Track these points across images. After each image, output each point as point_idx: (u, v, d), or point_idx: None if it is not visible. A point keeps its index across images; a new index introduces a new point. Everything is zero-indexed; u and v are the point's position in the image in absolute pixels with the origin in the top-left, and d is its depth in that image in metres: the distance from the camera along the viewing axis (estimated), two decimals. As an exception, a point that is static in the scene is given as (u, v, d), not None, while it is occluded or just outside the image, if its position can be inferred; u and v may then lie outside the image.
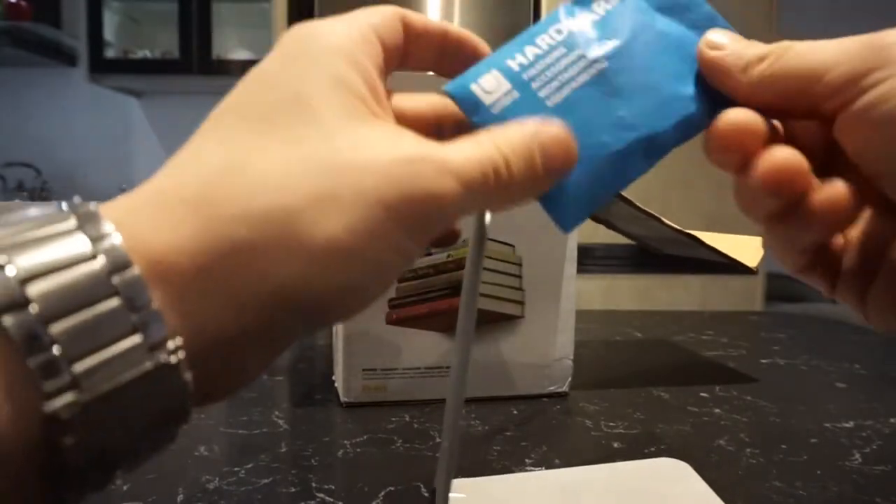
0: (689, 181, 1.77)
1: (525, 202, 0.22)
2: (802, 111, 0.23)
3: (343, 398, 0.47)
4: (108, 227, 0.16)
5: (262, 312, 0.17)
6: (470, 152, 0.19)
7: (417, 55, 0.25)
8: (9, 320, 0.14)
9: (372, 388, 0.47)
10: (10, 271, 0.14)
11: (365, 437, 0.41)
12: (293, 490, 0.34)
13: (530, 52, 0.24)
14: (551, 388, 0.50)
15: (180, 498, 0.33)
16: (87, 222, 0.16)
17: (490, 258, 0.47)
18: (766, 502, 0.33)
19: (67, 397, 0.14)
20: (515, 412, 0.46)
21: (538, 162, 0.21)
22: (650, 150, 0.24)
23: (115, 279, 0.15)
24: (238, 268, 0.17)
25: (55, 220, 0.16)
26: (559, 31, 0.24)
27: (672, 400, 0.50)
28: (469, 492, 0.33)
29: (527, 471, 0.37)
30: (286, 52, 0.20)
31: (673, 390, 0.52)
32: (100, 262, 0.15)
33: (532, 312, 0.49)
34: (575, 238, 0.49)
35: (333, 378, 0.51)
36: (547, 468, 0.37)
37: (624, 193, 0.52)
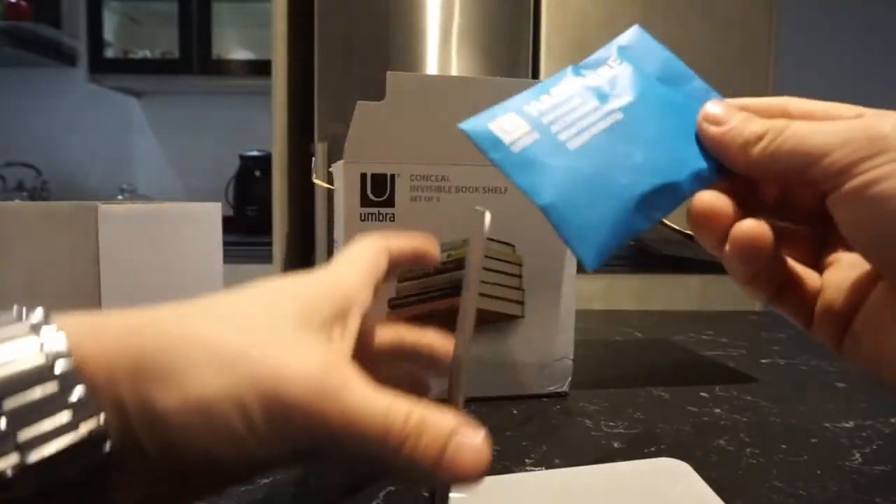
0: (689, 181, 1.77)
1: (419, 481, 0.22)
2: (798, 184, 0.25)
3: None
4: (55, 334, 0.19)
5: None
6: (378, 404, 0.20)
7: (392, 271, 0.29)
8: None
9: (372, 388, 0.47)
10: None
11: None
12: (293, 490, 0.34)
13: (546, 100, 0.26)
14: (551, 388, 0.50)
15: (180, 498, 0.33)
16: (37, 329, 0.19)
17: (490, 258, 0.47)
18: (766, 502, 0.33)
19: (12, 459, 0.17)
20: (515, 412, 0.46)
21: (445, 456, 0.20)
22: (669, 196, 0.25)
23: (56, 370, 0.18)
24: (134, 383, 0.19)
25: (9, 326, 0.19)
26: (571, 86, 0.26)
27: (672, 400, 0.50)
28: (469, 492, 0.30)
29: (527, 470, 0.37)
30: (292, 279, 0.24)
31: (673, 390, 0.52)
32: (43, 358, 0.18)
33: (532, 312, 0.49)
34: (575, 238, 0.49)
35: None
36: (547, 468, 0.37)
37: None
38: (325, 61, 1.74)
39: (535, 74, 1.76)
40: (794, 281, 0.26)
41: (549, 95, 0.26)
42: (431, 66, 1.75)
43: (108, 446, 0.18)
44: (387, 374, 0.26)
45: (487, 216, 0.27)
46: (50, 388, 0.18)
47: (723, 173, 0.25)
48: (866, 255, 0.23)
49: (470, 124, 0.25)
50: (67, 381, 0.18)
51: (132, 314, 0.21)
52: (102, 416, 0.18)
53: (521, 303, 0.48)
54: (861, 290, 0.25)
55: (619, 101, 0.26)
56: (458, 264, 0.47)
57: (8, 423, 0.17)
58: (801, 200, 0.26)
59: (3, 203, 0.55)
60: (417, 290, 0.47)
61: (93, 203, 0.51)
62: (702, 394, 0.51)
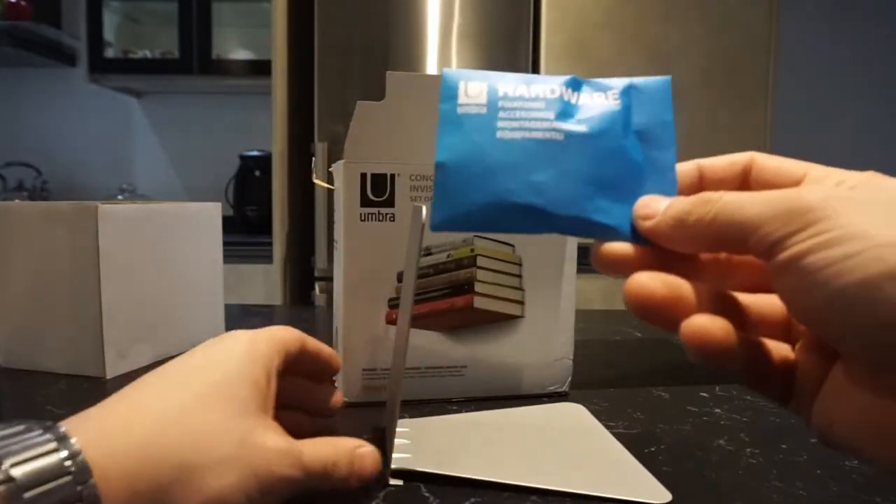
0: (689, 181, 1.77)
1: (341, 488, 0.32)
2: (737, 254, 0.25)
3: (343, 398, 0.47)
4: (75, 446, 0.24)
5: None
6: (316, 451, 0.30)
7: (302, 366, 0.37)
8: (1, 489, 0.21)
9: (372, 388, 0.47)
10: (18, 477, 0.22)
11: (365, 436, 0.41)
12: (293, 490, 0.34)
13: (521, 89, 0.27)
14: (551, 388, 0.50)
15: (180, 498, 0.33)
16: (62, 442, 0.24)
17: (490, 258, 0.47)
18: (767, 502, 0.33)
19: None
20: (515, 412, 0.46)
21: (355, 467, 0.32)
22: (540, 222, 0.25)
23: (79, 487, 0.23)
24: (158, 495, 0.26)
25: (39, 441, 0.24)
26: (553, 91, 0.27)
27: (672, 400, 0.50)
28: (410, 428, 0.41)
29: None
30: (225, 344, 0.32)
31: (673, 390, 0.52)
32: (70, 476, 0.23)
33: (532, 312, 0.49)
34: (575, 238, 0.49)
35: (334, 378, 0.51)
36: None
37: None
38: (325, 61, 1.74)
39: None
40: (766, 359, 0.25)
41: (527, 87, 0.27)
42: (431, 66, 1.75)
43: None
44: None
45: (424, 210, 0.33)
46: (72, 498, 0.23)
47: (638, 238, 0.25)
48: (807, 326, 0.23)
49: (452, 71, 0.27)
50: (88, 495, 0.23)
51: (141, 419, 0.27)
52: None
53: (521, 303, 0.48)
54: (823, 365, 0.24)
55: (572, 127, 0.26)
56: (458, 264, 0.47)
57: None
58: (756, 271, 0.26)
59: (3, 203, 0.54)
60: (417, 290, 0.47)
61: (93, 203, 0.51)
62: (702, 394, 0.51)
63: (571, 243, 0.49)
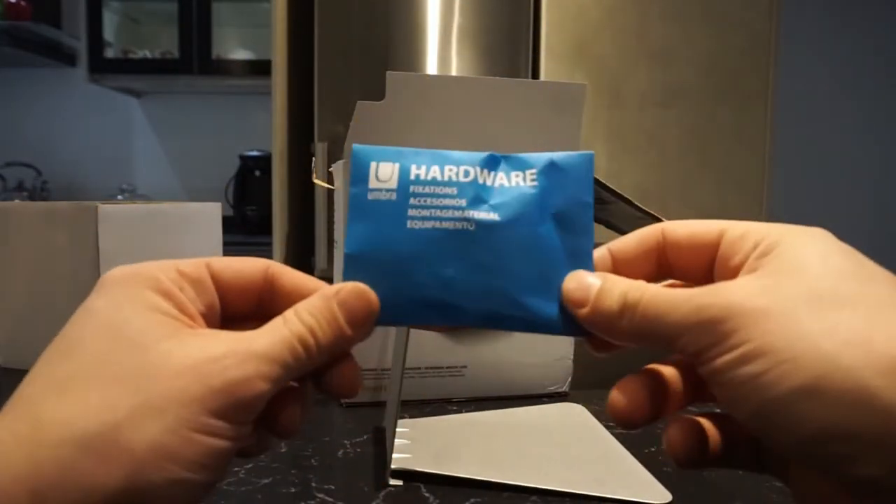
0: (689, 181, 1.77)
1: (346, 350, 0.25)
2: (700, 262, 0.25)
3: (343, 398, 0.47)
4: None
5: None
6: (276, 334, 0.23)
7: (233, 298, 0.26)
8: None
9: (372, 388, 0.47)
10: None
11: (365, 437, 0.41)
12: (293, 490, 0.34)
13: (434, 171, 0.26)
14: (551, 388, 0.50)
15: (180, 498, 0.33)
16: None
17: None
18: (767, 502, 0.33)
19: None
20: (515, 412, 0.46)
21: (342, 320, 0.24)
22: (453, 316, 0.25)
23: None
24: (67, 485, 0.19)
25: None
26: (467, 174, 0.26)
27: (672, 400, 0.50)
28: (410, 428, 0.41)
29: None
30: (106, 290, 0.24)
31: (673, 390, 0.52)
32: None
33: (532, 312, 0.49)
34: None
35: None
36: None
37: (623, 193, 0.52)
38: (325, 61, 1.74)
39: (535, 74, 1.76)
40: (737, 440, 0.26)
41: (440, 168, 0.27)
42: (431, 66, 1.75)
43: None
44: None
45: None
46: None
47: (566, 330, 0.25)
48: (747, 428, 0.23)
49: (361, 149, 0.26)
50: None
51: (16, 414, 0.21)
52: None
53: (521, 303, 0.48)
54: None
55: (483, 216, 0.25)
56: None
57: None
58: None
59: (3, 203, 0.54)
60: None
61: (93, 203, 0.51)
62: (702, 394, 0.51)
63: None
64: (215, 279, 0.25)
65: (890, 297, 0.21)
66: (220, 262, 0.26)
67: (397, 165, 0.26)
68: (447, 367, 0.48)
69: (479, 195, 0.26)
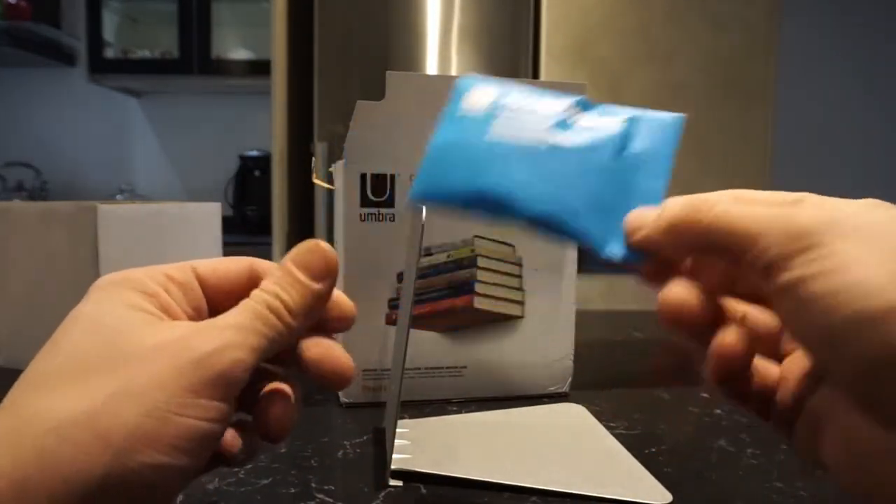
0: (689, 181, 1.77)
1: (319, 309, 0.25)
2: (730, 263, 0.24)
3: (343, 399, 0.47)
4: None
5: None
6: (244, 307, 0.23)
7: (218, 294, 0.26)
8: None
9: (372, 388, 0.47)
10: None
11: (365, 437, 0.41)
12: (293, 490, 0.34)
13: (526, 100, 0.28)
14: (551, 388, 0.50)
15: (180, 498, 0.33)
16: None
17: (490, 258, 0.47)
18: (767, 502, 0.33)
19: None
20: (515, 412, 0.46)
21: (301, 276, 0.24)
22: (515, 210, 0.26)
23: None
24: (47, 473, 0.19)
25: None
26: (559, 106, 0.28)
27: (673, 400, 0.50)
28: (410, 428, 0.41)
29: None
30: (92, 295, 0.25)
31: (673, 390, 0.52)
32: None
33: (532, 312, 0.49)
34: (575, 238, 0.49)
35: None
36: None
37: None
38: (325, 61, 1.74)
39: (536, 74, 1.76)
40: (754, 375, 0.25)
41: (534, 99, 0.28)
42: (431, 66, 1.75)
43: None
44: None
45: (423, 214, 0.33)
46: None
47: (610, 250, 0.25)
48: (804, 349, 0.23)
49: (464, 78, 0.29)
50: None
51: (2, 415, 0.21)
52: None
53: (521, 303, 0.48)
54: (809, 385, 0.24)
55: (561, 138, 0.27)
56: (458, 264, 0.47)
57: None
58: (748, 281, 0.26)
59: (3, 203, 0.54)
60: (417, 290, 0.47)
61: (93, 203, 0.51)
62: (702, 394, 0.51)
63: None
64: (202, 281, 0.26)
65: None
66: (206, 265, 0.26)
67: (493, 91, 0.28)
68: (447, 368, 0.48)
69: (563, 123, 0.27)
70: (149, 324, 0.23)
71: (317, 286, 0.24)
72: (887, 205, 0.23)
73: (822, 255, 0.20)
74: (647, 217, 0.25)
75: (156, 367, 0.21)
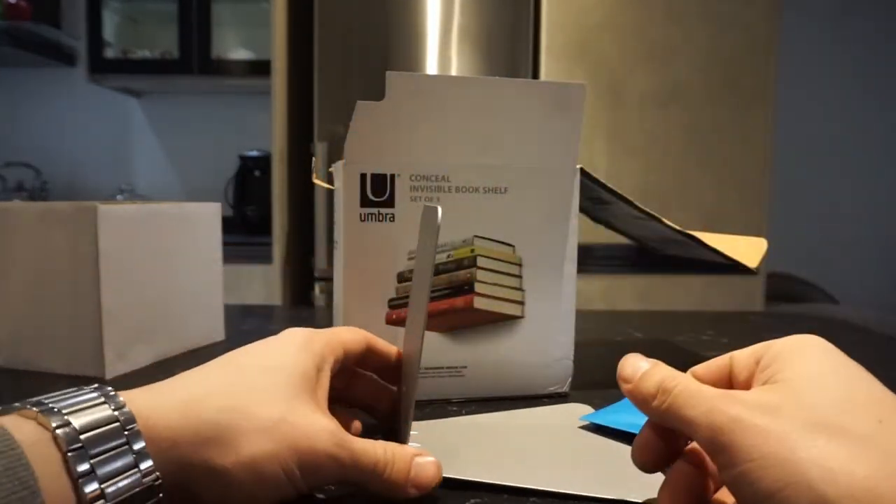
0: (689, 181, 1.77)
1: (396, 495, 0.31)
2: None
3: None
4: (121, 400, 0.26)
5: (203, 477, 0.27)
6: (368, 445, 0.30)
7: (369, 363, 0.38)
8: (72, 454, 0.24)
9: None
10: (75, 423, 0.24)
11: (377, 436, 0.41)
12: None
13: None
14: (551, 388, 0.50)
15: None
16: (110, 398, 0.26)
17: (490, 258, 0.47)
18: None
19: (93, 487, 0.24)
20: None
21: (412, 476, 0.31)
22: None
23: (125, 432, 0.25)
24: (196, 449, 0.27)
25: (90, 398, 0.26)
26: None
27: (672, 400, 0.50)
28: (421, 430, 0.42)
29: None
30: (281, 336, 0.34)
31: (673, 390, 0.52)
32: (117, 423, 0.25)
33: (532, 312, 0.49)
34: (575, 238, 0.49)
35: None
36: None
37: (623, 193, 0.52)
38: (325, 61, 1.74)
39: (536, 74, 1.76)
40: None
41: None
42: (431, 66, 1.75)
43: (159, 484, 0.25)
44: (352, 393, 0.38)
45: (440, 211, 0.34)
46: (120, 441, 0.25)
47: None
48: None
49: None
50: (133, 438, 0.25)
51: (190, 385, 0.29)
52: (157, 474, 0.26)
53: (521, 303, 0.48)
54: None
55: None
56: (459, 264, 0.47)
57: (91, 466, 0.24)
58: None
59: (3, 203, 0.54)
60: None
61: (93, 203, 0.51)
62: (702, 394, 0.51)
63: (571, 243, 0.49)
64: (346, 352, 0.35)
65: (875, 430, 0.22)
66: (352, 343, 0.36)
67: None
68: (447, 368, 0.48)
69: None
70: (308, 395, 0.30)
71: (409, 492, 0.31)
72: (807, 350, 0.27)
73: (739, 459, 0.23)
74: (632, 370, 0.31)
75: (298, 434, 0.28)
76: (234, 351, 0.32)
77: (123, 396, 0.26)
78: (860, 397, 0.24)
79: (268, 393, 0.29)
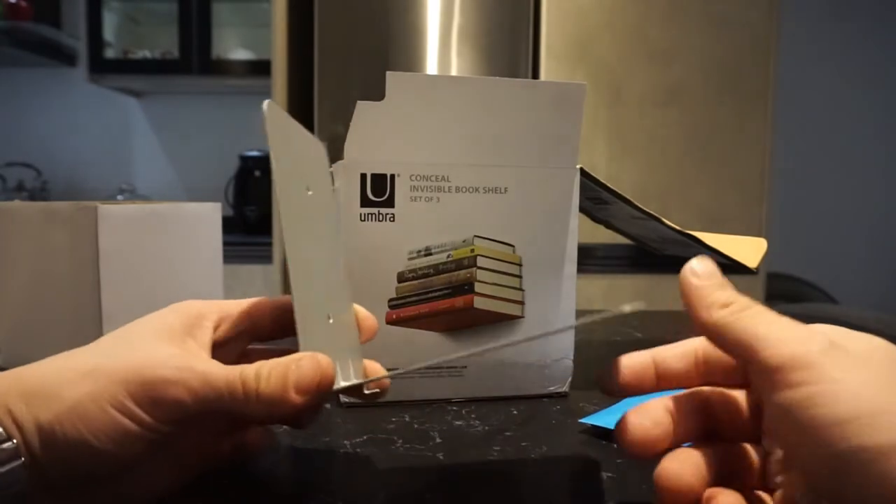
0: (689, 181, 1.77)
1: (285, 412, 0.27)
2: (740, 367, 0.27)
3: (343, 399, 0.47)
4: None
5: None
6: (228, 368, 0.27)
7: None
8: None
9: (372, 388, 0.47)
10: None
11: (365, 437, 0.41)
12: (293, 490, 0.34)
13: None
14: (551, 388, 0.50)
15: (180, 498, 0.33)
16: None
17: (490, 258, 0.47)
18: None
19: None
20: (515, 412, 0.46)
21: (290, 381, 0.26)
22: None
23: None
24: (25, 404, 0.25)
25: None
26: None
27: (672, 400, 0.50)
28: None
29: (528, 469, 0.37)
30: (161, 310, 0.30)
31: (673, 390, 0.52)
32: None
33: (532, 312, 0.49)
34: (575, 238, 0.49)
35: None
36: (547, 468, 0.37)
37: (623, 193, 0.52)
38: (325, 61, 1.74)
39: (535, 74, 1.76)
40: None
41: None
42: (431, 66, 1.75)
43: (21, 459, 0.24)
44: None
45: (265, 105, 0.29)
46: None
47: None
48: (799, 468, 0.24)
49: None
50: None
51: (46, 360, 0.27)
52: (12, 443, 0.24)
53: (521, 303, 0.48)
54: None
55: None
56: (458, 264, 0.47)
57: None
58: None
59: (3, 203, 0.54)
60: (417, 290, 0.47)
61: (93, 203, 0.51)
62: (702, 394, 0.51)
63: (572, 243, 0.49)
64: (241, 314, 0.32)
65: None
66: (250, 306, 0.32)
67: None
68: (447, 368, 0.48)
69: None
70: (154, 338, 0.27)
71: (296, 397, 0.27)
72: (884, 342, 0.24)
73: (825, 380, 0.21)
74: (702, 269, 0.27)
75: (124, 367, 0.26)
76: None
77: None
78: None
79: (104, 344, 0.28)
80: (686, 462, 0.26)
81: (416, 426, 0.43)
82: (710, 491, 0.25)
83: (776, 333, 0.23)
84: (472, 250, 0.47)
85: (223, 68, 2.21)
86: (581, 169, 0.49)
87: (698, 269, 0.27)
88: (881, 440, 0.19)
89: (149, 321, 0.29)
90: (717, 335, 0.25)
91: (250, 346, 0.34)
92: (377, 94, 0.43)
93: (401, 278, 0.46)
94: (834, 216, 2.57)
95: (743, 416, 0.28)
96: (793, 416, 0.21)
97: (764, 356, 0.23)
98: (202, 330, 0.30)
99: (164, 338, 0.28)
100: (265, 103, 0.28)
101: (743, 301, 0.25)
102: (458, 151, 0.46)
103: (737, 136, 1.78)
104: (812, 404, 0.21)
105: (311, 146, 0.35)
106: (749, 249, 0.54)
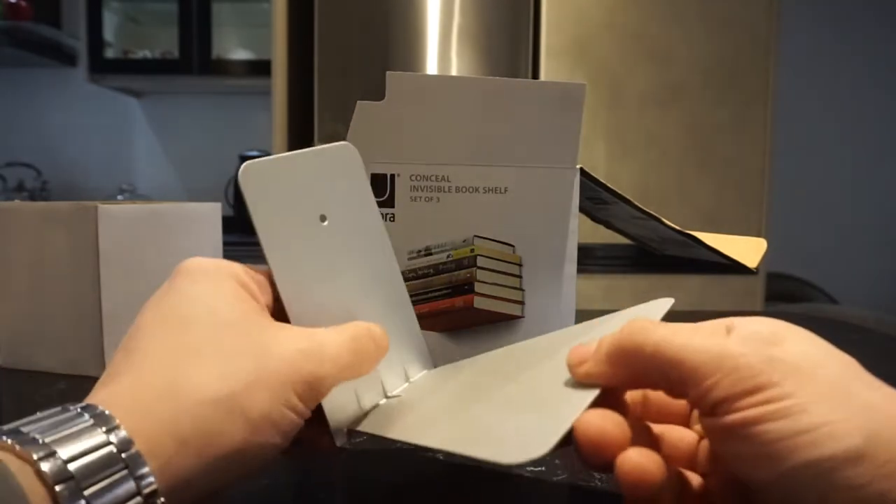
0: (689, 181, 1.77)
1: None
2: (670, 394, 0.25)
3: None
4: (116, 421, 0.23)
5: (218, 464, 0.24)
6: (342, 342, 0.29)
7: None
8: (60, 488, 0.20)
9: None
10: (62, 456, 0.21)
11: (365, 436, 0.41)
12: (293, 490, 0.34)
13: None
14: (551, 388, 0.50)
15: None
16: (101, 421, 0.23)
17: (490, 258, 0.47)
18: None
19: None
20: (515, 412, 0.46)
21: (372, 344, 0.30)
22: None
23: (124, 455, 0.22)
24: (202, 435, 0.24)
25: (78, 421, 0.23)
26: None
27: (672, 400, 0.50)
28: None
29: (526, 474, 0.37)
30: (197, 278, 0.28)
31: (673, 390, 0.52)
32: (112, 447, 0.22)
33: (532, 312, 0.49)
34: (575, 238, 0.49)
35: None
36: (547, 468, 0.37)
37: (623, 193, 0.52)
38: (325, 61, 1.74)
39: (535, 74, 1.76)
40: (690, 490, 0.26)
41: None
42: (431, 66, 1.75)
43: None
44: None
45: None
46: (121, 471, 0.22)
47: None
48: (751, 489, 0.23)
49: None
50: (134, 464, 0.22)
51: (157, 367, 0.25)
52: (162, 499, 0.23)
53: (521, 303, 0.48)
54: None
55: None
56: (458, 264, 0.47)
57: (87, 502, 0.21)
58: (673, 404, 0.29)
59: (3, 203, 0.54)
60: (417, 290, 0.47)
61: (93, 203, 0.51)
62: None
63: (572, 243, 0.49)
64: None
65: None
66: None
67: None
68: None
69: None
70: (265, 325, 0.27)
71: (374, 355, 0.31)
72: (813, 336, 0.24)
73: (780, 395, 0.20)
74: (587, 350, 0.26)
75: (283, 370, 0.26)
76: (161, 301, 0.28)
77: (101, 404, 0.23)
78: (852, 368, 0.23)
79: (237, 340, 0.26)
80: (609, 418, 0.24)
81: (416, 426, 0.43)
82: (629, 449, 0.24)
83: (705, 361, 0.22)
84: (472, 250, 0.47)
85: (223, 68, 2.21)
86: (581, 169, 0.49)
87: (579, 355, 0.26)
88: (837, 449, 0.19)
89: (222, 297, 0.27)
90: (656, 371, 0.24)
91: None
92: (377, 94, 0.43)
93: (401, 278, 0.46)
94: (834, 216, 2.57)
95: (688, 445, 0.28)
96: (739, 436, 0.21)
97: (702, 389, 0.22)
98: (259, 295, 0.30)
99: (264, 317, 0.28)
100: (242, 168, 0.31)
101: (638, 329, 0.24)
102: (458, 151, 0.46)
103: (737, 136, 1.78)
104: (763, 420, 0.20)
105: (326, 168, 0.35)
106: (749, 249, 0.54)
